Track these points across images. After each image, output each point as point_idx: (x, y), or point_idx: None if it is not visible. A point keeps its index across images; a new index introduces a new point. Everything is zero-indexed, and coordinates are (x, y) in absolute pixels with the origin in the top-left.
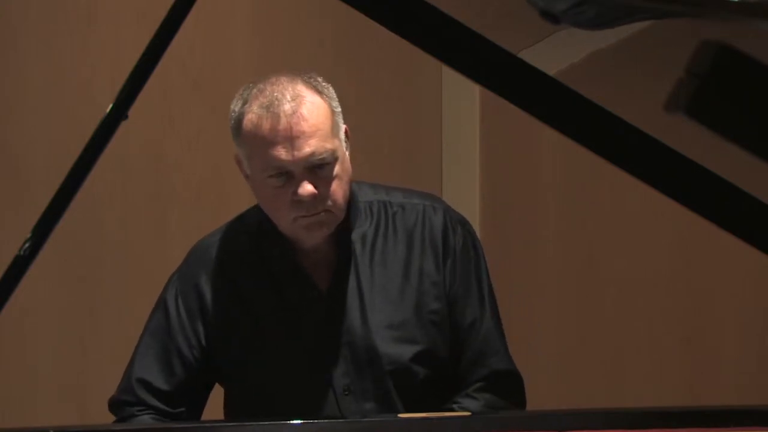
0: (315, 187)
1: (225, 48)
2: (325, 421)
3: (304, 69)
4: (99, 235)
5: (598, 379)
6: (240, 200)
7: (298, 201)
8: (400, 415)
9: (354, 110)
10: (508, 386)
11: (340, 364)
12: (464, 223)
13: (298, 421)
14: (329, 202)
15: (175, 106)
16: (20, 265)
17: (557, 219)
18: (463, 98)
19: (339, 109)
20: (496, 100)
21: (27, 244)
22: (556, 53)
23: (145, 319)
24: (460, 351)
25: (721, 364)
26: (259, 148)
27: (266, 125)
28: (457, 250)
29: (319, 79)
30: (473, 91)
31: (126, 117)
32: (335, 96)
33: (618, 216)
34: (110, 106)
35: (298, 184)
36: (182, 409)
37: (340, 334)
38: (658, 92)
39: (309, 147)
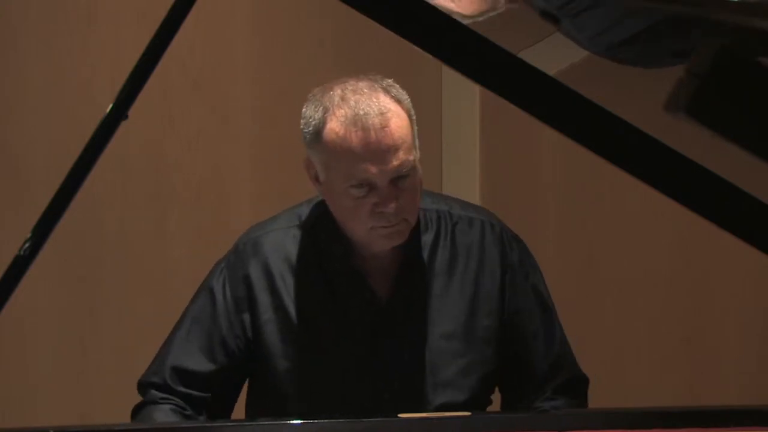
0: (396, 199)
1: (225, 48)
2: (325, 421)
3: (378, 75)
4: (99, 235)
5: (598, 379)
6: (240, 200)
7: (380, 213)
8: (400, 415)
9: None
10: (581, 390)
11: (388, 371)
12: (519, 240)
13: (298, 421)
14: (407, 213)
15: (175, 106)
16: (20, 265)
17: (557, 219)
18: (463, 98)
19: (415, 117)
20: (496, 100)
21: (27, 244)
22: (556, 53)
23: (144, 318)
24: (529, 361)
25: (721, 364)
26: (344, 159)
27: (354, 138)
28: (516, 265)
29: (397, 86)
30: (473, 91)
31: (126, 117)
32: (410, 103)
33: (618, 216)
34: (110, 106)
35: (381, 196)
36: (214, 392)
37: (393, 342)
38: (658, 92)
39: (396, 161)
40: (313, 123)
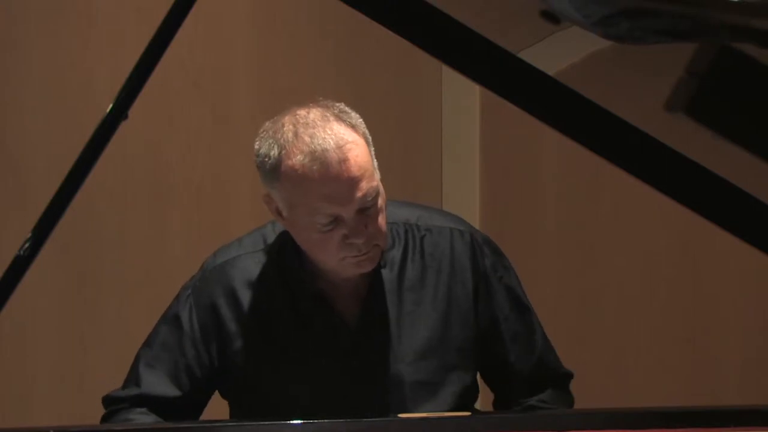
0: (366, 227)
1: (225, 48)
2: (325, 421)
3: (327, 100)
4: (99, 235)
5: (598, 379)
6: (240, 200)
7: (350, 244)
8: (401, 415)
9: (354, 110)
10: (565, 384)
11: (363, 392)
12: (489, 243)
13: (298, 421)
14: (378, 239)
15: (175, 106)
16: (20, 265)
17: (557, 219)
18: (463, 98)
19: (370, 138)
20: (496, 100)
21: (27, 244)
22: (556, 53)
23: (144, 318)
24: (511, 363)
25: (722, 365)
26: (307, 197)
27: (316, 176)
28: (488, 272)
29: (348, 110)
30: (473, 91)
31: (126, 117)
32: (364, 124)
33: (618, 216)
34: (110, 106)
35: (350, 228)
36: (177, 413)
37: (366, 363)
38: (658, 92)
39: (360, 191)
40: (269, 162)
